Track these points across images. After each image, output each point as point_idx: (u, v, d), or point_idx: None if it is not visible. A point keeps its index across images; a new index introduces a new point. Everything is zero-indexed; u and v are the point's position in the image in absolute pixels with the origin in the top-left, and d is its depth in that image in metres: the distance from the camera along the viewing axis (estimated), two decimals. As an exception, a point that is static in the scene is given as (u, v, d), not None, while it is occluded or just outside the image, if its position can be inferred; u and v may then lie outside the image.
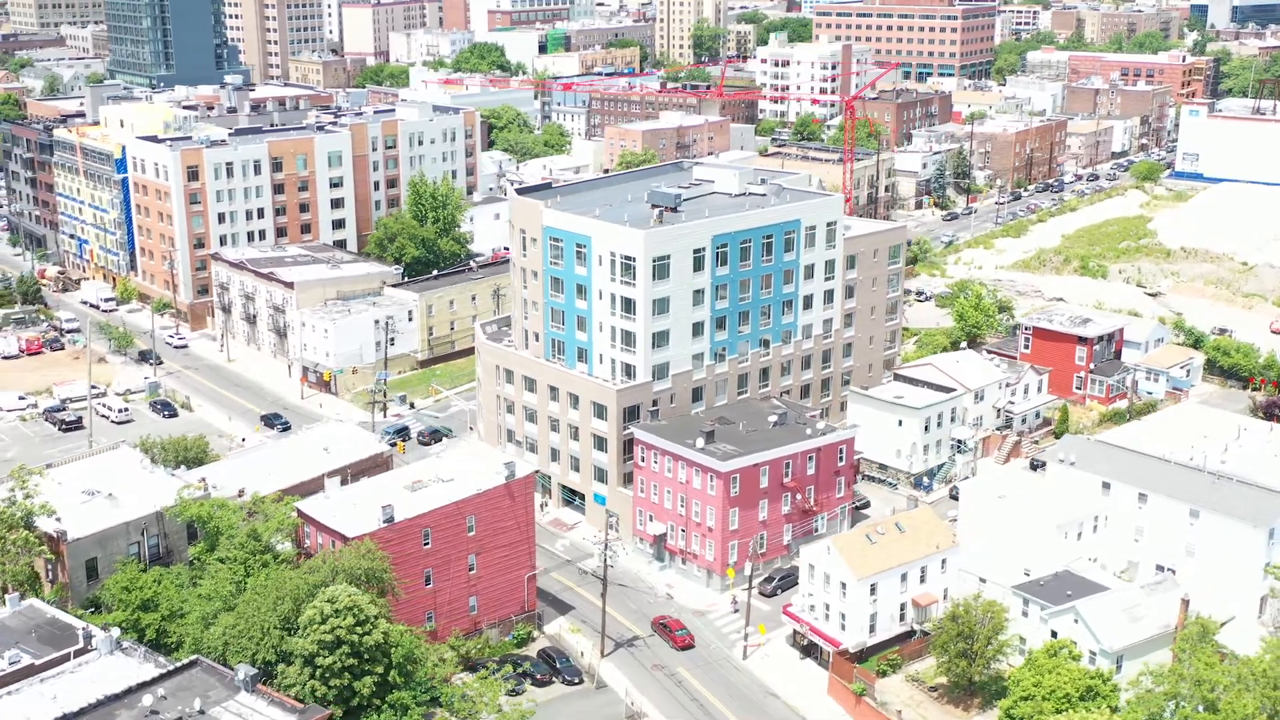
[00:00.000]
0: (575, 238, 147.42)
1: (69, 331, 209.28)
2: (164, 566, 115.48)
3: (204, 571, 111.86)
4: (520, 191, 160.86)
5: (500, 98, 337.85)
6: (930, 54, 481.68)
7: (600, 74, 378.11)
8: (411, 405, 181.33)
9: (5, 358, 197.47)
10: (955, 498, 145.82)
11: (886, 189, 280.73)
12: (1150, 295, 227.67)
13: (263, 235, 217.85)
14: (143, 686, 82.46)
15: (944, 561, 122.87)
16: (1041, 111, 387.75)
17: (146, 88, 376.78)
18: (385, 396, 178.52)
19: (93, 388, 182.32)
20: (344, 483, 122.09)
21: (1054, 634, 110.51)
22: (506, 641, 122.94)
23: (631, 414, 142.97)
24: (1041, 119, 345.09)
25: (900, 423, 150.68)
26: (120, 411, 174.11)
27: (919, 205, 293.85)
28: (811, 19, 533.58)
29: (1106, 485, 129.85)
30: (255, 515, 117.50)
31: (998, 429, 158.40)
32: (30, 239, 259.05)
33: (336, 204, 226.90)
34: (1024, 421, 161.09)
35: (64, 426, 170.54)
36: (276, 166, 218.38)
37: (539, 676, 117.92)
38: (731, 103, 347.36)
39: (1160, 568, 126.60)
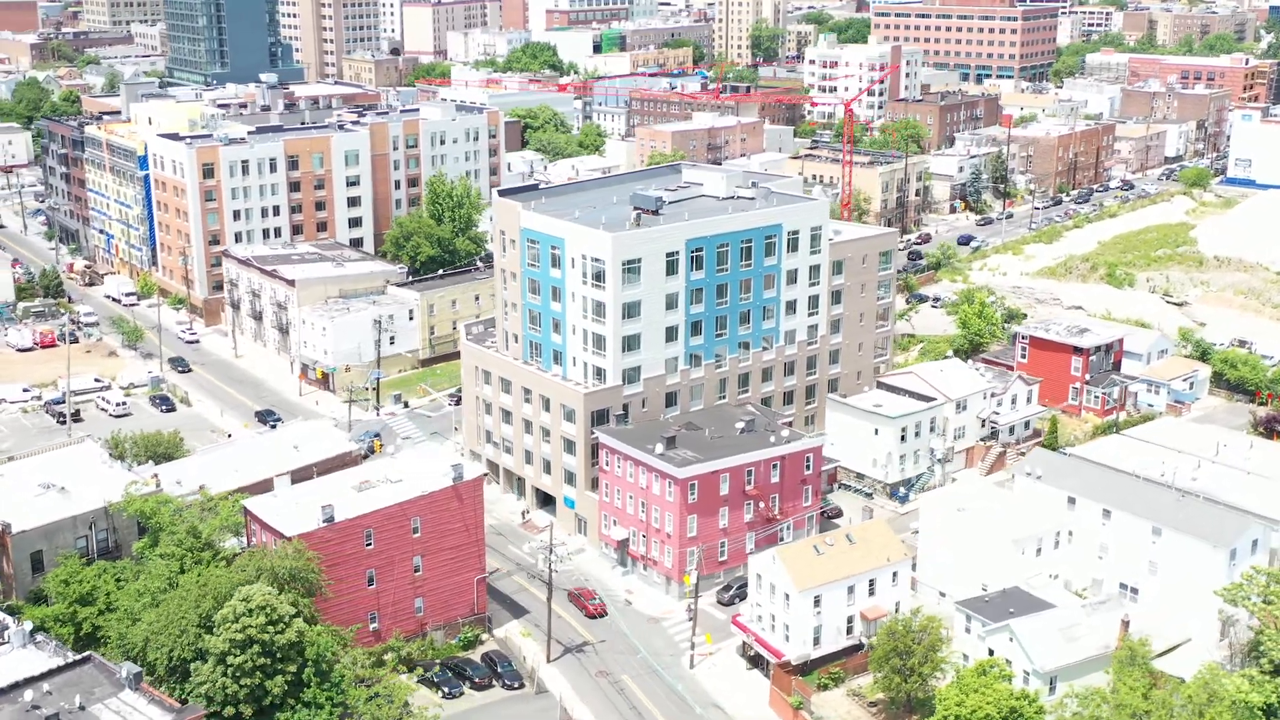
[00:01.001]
0: (550, 240, 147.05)
1: (87, 325, 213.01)
2: (111, 561, 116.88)
3: (143, 567, 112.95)
4: (504, 193, 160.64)
5: (539, 97, 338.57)
6: (989, 55, 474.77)
7: (643, 74, 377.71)
8: (406, 405, 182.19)
9: (19, 350, 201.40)
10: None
11: (917, 193, 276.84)
12: (1176, 305, 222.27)
13: (278, 233, 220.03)
14: (29, 681, 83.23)
15: (895, 574, 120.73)
16: (1098, 115, 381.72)
17: (201, 85, 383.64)
18: (378, 394, 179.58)
19: (96, 380, 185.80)
20: (293, 481, 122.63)
21: (991, 652, 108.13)
22: (452, 644, 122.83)
23: (600, 418, 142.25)
24: (1087, 123, 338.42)
25: (876, 432, 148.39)
26: (118, 405, 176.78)
27: (953, 210, 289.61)
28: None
29: (1072, 500, 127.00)
30: (208, 512, 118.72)
31: (982, 440, 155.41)
32: (64, 233, 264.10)
33: (353, 202, 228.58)
34: (1012, 433, 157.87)
35: (62, 419, 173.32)
36: (293, 165, 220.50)
37: (478, 680, 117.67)
38: (774, 102, 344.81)
39: (1124, 586, 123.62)
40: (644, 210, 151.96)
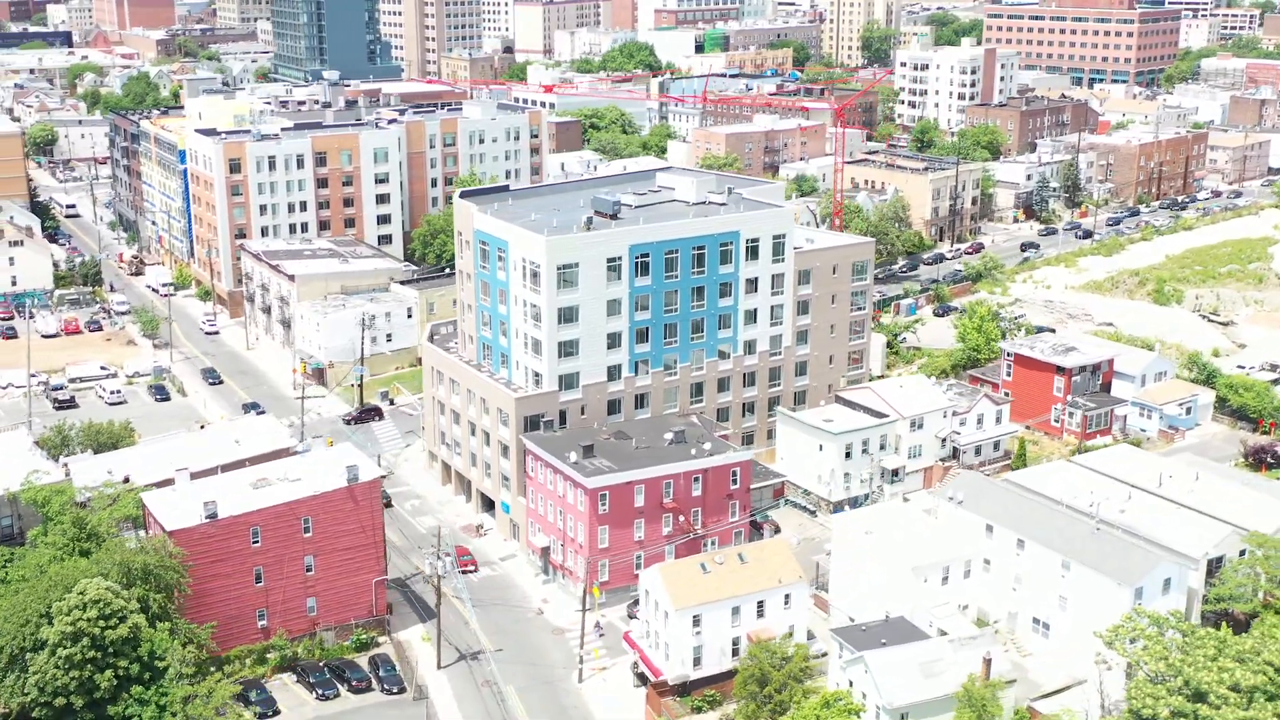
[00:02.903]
0: (498, 242, 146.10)
1: (118, 314, 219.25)
2: (11, 548, 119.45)
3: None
4: (471, 193, 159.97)
5: (611, 97, 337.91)
6: (1104, 59, 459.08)
7: (719, 74, 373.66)
8: (391, 402, 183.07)
9: (44, 336, 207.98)
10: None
11: (974, 201, 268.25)
12: (1221, 324, 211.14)
13: (304, 228, 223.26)
14: None
15: (788, 597, 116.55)
16: (1208, 122, 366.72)
17: (300, 80, 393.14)
18: (361, 391, 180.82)
19: (102, 368, 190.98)
20: (190, 477, 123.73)
21: (851, 684, 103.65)
22: (345, 645, 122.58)
23: (535, 423, 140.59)
24: (1179, 131, 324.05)
25: (821, 447, 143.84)
26: (113, 393, 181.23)
27: (1015, 220, 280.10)
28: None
29: (990, 528, 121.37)
30: (113, 503, 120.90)
31: (941, 460, 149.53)
32: (125, 223, 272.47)
33: (382, 199, 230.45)
34: (978, 453, 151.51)
35: (57, 405, 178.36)
36: (320, 161, 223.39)
37: (355, 682, 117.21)
38: (850, 106, 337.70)
39: (1036, 621, 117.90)
40: (602, 214, 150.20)
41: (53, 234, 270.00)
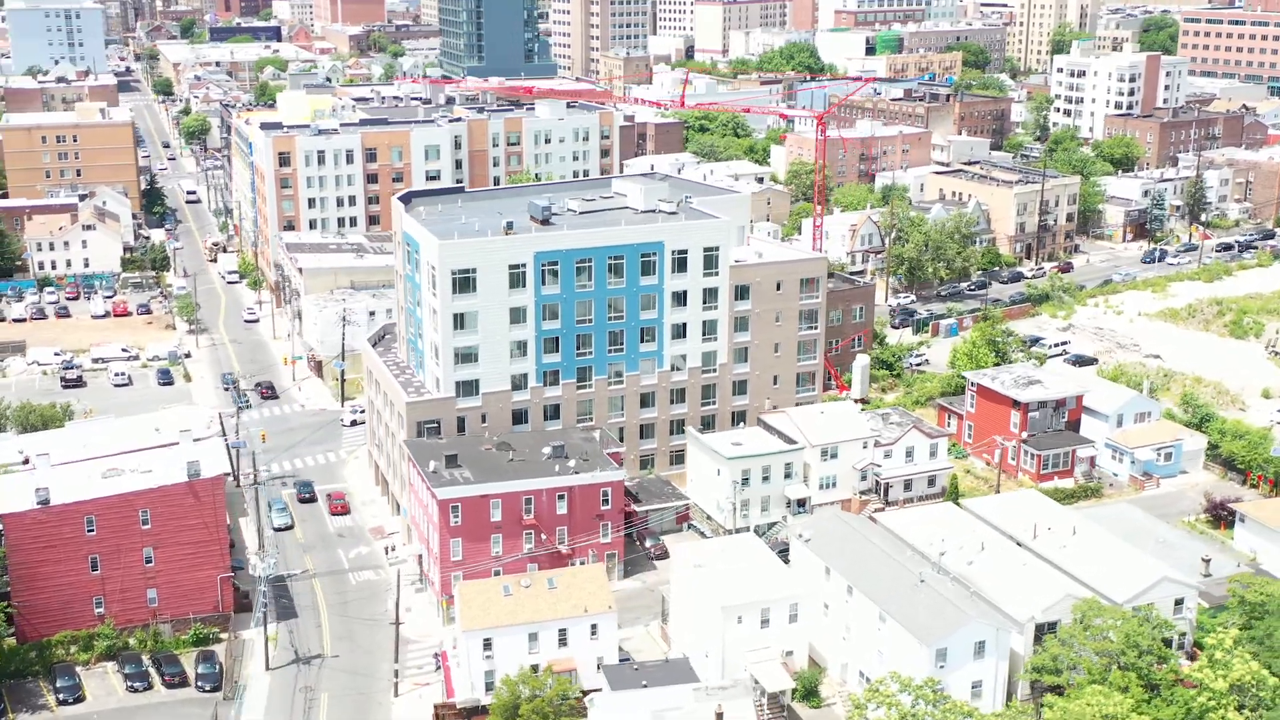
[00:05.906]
0: (416, 244, 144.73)
1: (175, 299, 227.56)
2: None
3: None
4: (421, 194, 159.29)
5: (733, 98, 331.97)
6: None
7: (856, 79, 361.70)
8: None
9: (94, 317, 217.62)
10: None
11: (1069, 217, 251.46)
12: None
13: (353, 222, 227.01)
14: None
15: (595, 627, 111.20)
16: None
17: (458, 77, 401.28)
18: (343, 386, 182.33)
19: (123, 350, 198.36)
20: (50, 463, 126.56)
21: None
22: (182, 638, 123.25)
23: (425, 429, 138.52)
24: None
25: (719, 472, 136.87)
26: (117, 375, 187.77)
27: (1116, 237, 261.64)
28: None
29: (829, 571, 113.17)
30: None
31: (861, 493, 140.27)
32: (227, 211, 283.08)
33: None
34: (909, 488, 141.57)
35: (64, 383, 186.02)
36: (371, 157, 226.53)
37: (168, 677, 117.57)
38: (976, 113, 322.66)
39: (862, 674, 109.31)
40: (535, 219, 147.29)
41: (161, 218, 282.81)
